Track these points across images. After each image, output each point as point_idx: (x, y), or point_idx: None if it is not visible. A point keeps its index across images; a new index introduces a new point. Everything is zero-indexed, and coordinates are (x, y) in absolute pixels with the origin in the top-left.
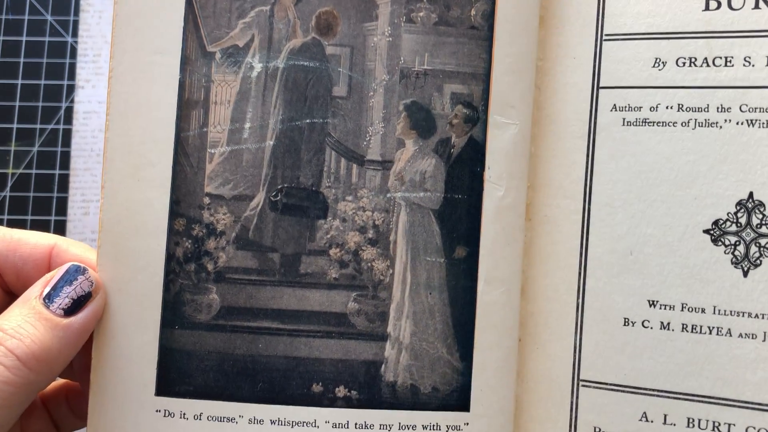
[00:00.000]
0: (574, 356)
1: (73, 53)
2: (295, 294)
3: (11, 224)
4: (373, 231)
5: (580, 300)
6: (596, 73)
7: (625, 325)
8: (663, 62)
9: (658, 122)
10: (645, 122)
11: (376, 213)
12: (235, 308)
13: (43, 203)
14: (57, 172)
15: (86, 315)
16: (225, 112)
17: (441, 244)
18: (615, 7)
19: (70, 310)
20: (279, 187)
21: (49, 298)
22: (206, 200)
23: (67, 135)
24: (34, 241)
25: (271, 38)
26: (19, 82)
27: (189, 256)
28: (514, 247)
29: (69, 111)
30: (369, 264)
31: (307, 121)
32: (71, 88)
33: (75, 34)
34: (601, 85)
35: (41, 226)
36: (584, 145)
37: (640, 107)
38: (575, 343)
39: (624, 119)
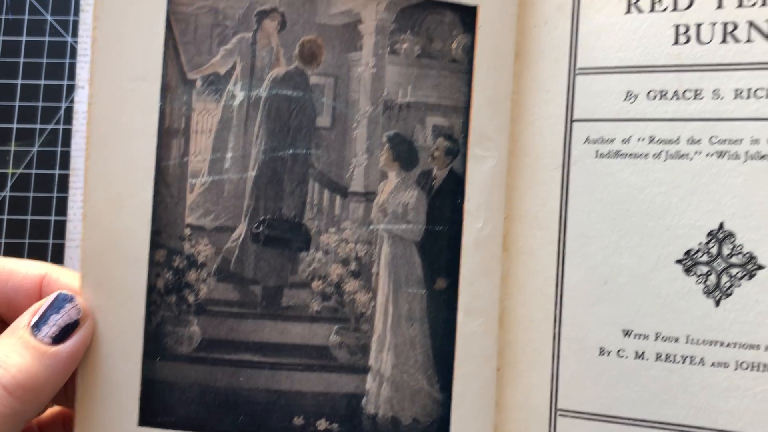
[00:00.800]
0: (552, 385)
1: (73, 53)
2: (277, 327)
3: (11, 224)
4: (355, 263)
5: (557, 329)
6: (569, 106)
7: (600, 354)
8: (634, 95)
9: (630, 154)
10: (617, 154)
11: (359, 245)
12: (216, 340)
13: (43, 203)
14: (57, 172)
15: (74, 343)
16: (206, 141)
17: (422, 276)
18: (587, 41)
19: (58, 338)
20: (261, 218)
21: (37, 327)
22: (187, 231)
23: (67, 135)
24: (24, 270)
25: (254, 66)
26: (19, 82)
27: (170, 288)
28: (493, 278)
29: (69, 111)
30: (351, 296)
31: (290, 151)
32: (71, 88)
33: (75, 34)
34: (574, 117)
35: (41, 227)
36: (559, 176)
37: (613, 139)
38: (552, 373)
39: (597, 151)
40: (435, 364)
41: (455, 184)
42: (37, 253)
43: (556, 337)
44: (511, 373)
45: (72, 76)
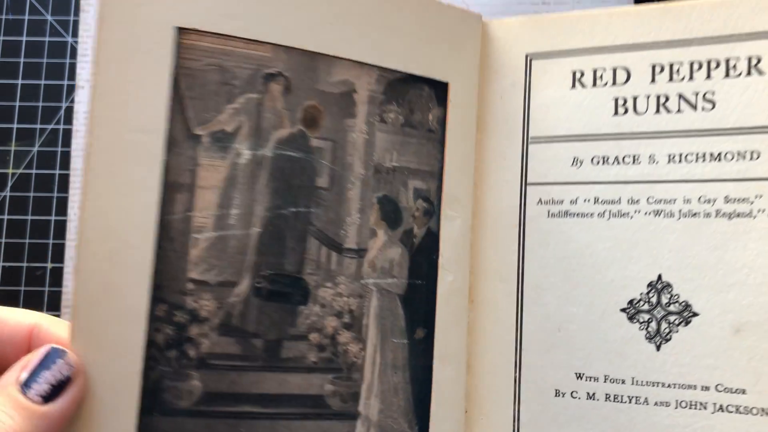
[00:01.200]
0: (514, 426)
1: (73, 53)
2: (276, 378)
3: (11, 224)
4: (348, 315)
5: (517, 374)
6: (524, 172)
7: (556, 396)
8: (580, 161)
9: (578, 214)
10: (566, 214)
11: (351, 298)
12: (217, 394)
13: (43, 203)
14: (57, 172)
15: (66, 401)
16: (211, 197)
17: (405, 327)
18: (538, 113)
19: (49, 397)
20: (264, 273)
21: (27, 385)
22: (189, 286)
23: (68, 135)
24: (14, 321)
25: (260, 126)
26: (19, 82)
27: (170, 343)
28: (461, 327)
29: (69, 111)
30: (344, 347)
31: (293, 209)
32: (71, 88)
33: (75, 34)
34: (528, 181)
35: (41, 226)
36: (515, 234)
37: (562, 200)
38: (514, 414)
39: (548, 211)
40: (414, 409)
41: (432, 242)
42: (37, 253)
43: (517, 381)
44: (477, 415)
45: (72, 76)
